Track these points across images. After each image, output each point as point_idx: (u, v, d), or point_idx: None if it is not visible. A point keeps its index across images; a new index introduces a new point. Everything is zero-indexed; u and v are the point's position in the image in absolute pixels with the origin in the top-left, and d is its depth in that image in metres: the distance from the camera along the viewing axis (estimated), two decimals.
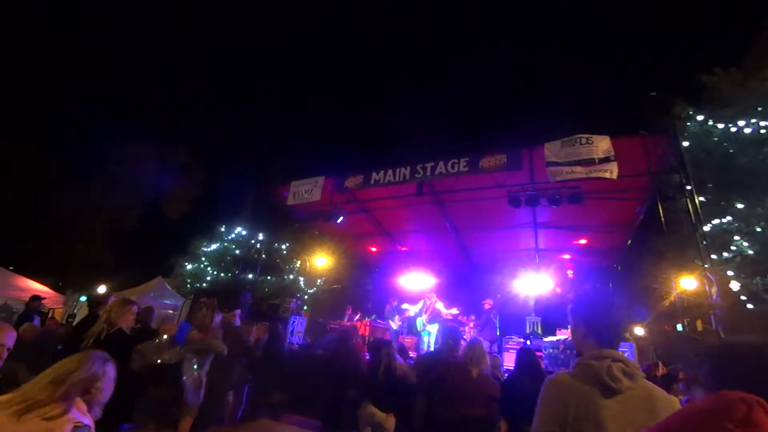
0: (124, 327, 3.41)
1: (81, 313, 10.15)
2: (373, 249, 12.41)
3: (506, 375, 5.15)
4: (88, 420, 1.47)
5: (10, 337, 1.75)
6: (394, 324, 9.30)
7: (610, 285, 10.51)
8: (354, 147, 28.91)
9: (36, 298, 6.87)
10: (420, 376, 3.73)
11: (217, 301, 4.36)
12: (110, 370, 1.66)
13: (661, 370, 6.09)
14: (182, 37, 30.24)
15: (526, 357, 3.61)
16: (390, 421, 3.51)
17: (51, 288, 11.12)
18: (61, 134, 21.88)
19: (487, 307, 8.81)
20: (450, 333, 4.21)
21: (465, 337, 7.90)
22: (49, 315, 9.59)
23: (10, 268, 10.90)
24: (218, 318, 3.92)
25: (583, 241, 9.82)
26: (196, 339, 3.60)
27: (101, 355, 1.67)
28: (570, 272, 9.27)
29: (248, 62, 34.46)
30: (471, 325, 8.95)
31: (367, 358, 4.19)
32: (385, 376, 3.49)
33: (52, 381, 1.45)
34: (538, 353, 5.58)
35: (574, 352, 5.50)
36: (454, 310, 9.20)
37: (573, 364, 1.34)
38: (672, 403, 1.21)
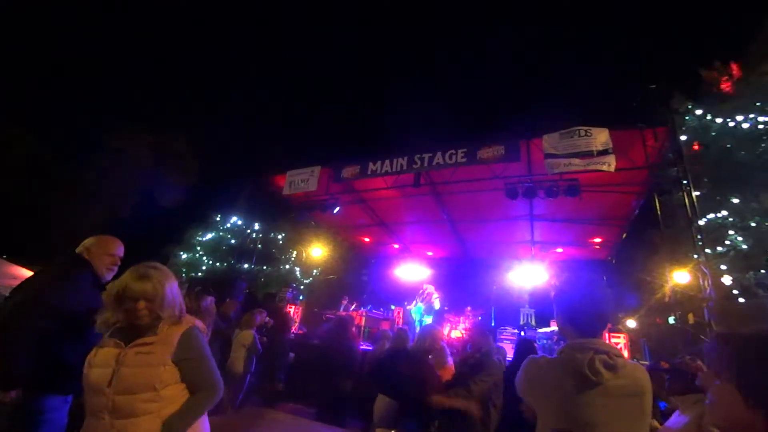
0: None
1: None
2: (367, 240, 12.41)
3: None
4: None
5: None
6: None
7: (604, 278, 10.60)
8: (351, 137, 28.70)
9: None
10: None
11: (212, 290, 4.33)
12: None
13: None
14: (180, 29, 29.69)
15: (525, 347, 3.68)
16: None
17: None
18: (57, 123, 21.57)
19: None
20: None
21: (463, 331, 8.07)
22: None
23: (4, 256, 10.80)
24: (206, 302, 3.91)
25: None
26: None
27: None
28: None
29: (245, 52, 33.96)
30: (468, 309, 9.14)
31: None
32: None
33: None
34: None
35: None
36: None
37: (557, 350, 1.34)
38: (645, 382, 1.21)
